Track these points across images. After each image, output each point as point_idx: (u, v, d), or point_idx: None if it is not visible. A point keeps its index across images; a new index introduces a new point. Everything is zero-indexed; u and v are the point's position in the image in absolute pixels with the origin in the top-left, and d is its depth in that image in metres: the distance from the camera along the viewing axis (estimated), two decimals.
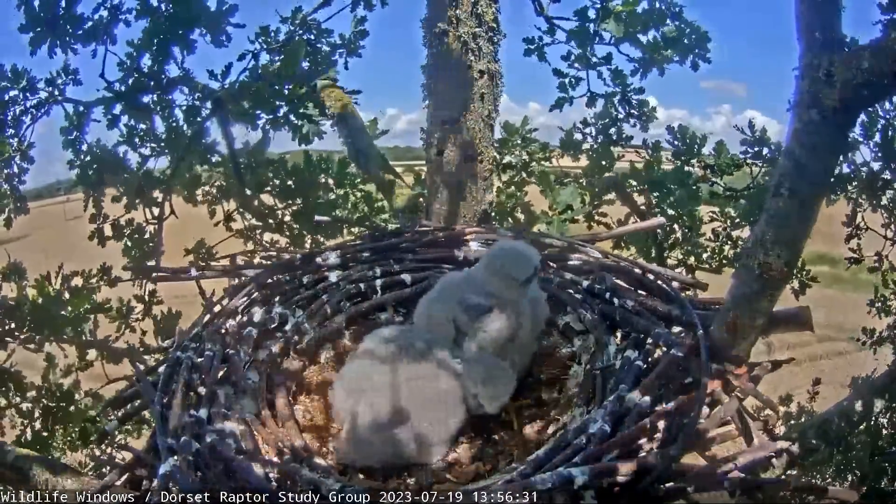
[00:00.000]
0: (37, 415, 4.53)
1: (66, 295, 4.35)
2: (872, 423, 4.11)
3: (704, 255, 5.30)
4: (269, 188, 5.14)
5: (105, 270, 4.86)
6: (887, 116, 4.32)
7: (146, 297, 5.01)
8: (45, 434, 4.51)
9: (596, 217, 5.01)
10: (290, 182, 5.05)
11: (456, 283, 2.42)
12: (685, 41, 4.66)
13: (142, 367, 2.67)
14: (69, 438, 4.75)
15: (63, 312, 4.09)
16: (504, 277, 2.31)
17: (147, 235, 5.06)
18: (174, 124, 4.60)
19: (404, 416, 2.05)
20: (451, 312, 2.28)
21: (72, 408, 4.62)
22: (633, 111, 5.14)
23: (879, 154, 4.46)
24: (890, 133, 4.33)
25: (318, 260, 2.91)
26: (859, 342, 5.33)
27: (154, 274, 2.86)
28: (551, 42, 4.84)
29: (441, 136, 3.44)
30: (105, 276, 4.84)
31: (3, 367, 4.20)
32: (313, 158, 5.19)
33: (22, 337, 4.10)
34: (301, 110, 3.85)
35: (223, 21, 4.18)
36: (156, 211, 5.12)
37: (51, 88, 4.44)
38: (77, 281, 4.61)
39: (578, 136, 5.38)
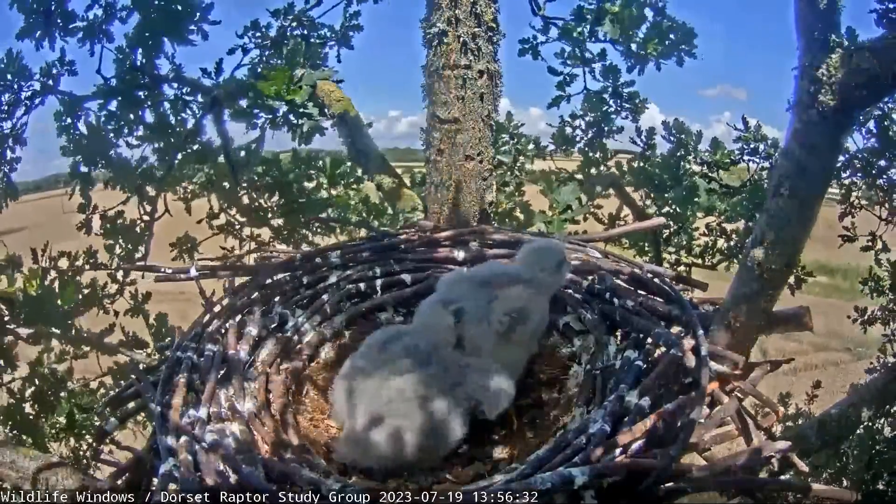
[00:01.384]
0: (27, 395, 4.55)
1: (53, 273, 4.35)
2: (870, 424, 4.13)
3: (698, 250, 5.33)
4: (258, 185, 5.16)
5: (91, 254, 4.87)
6: (882, 105, 4.35)
7: (120, 279, 5.03)
8: (32, 416, 4.52)
9: (592, 209, 5.03)
10: (282, 179, 5.07)
11: (468, 273, 2.46)
12: (671, 37, 4.66)
13: (141, 366, 2.66)
14: (56, 428, 4.75)
15: (58, 302, 4.08)
16: (536, 263, 2.40)
17: (137, 230, 5.06)
18: (165, 119, 4.59)
19: (404, 418, 2.04)
20: (461, 297, 2.29)
21: (63, 393, 4.64)
22: (624, 103, 5.15)
23: (874, 142, 4.49)
24: (886, 122, 4.36)
25: (318, 260, 2.91)
26: (857, 321, 5.35)
27: (154, 274, 2.85)
28: (545, 41, 4.86)
29: (440, 137, 3.43)
30: (91, 259, 4.85)
31: None
32: (302, 155, 5.21)
33: (17, 330, 4.11)
34: (300, 110, 3.85)
35: (200, 19, 4.19)
36: (149, 207, 5.13)
37: (46, 79, 4.43)
38: (63, 262, 4.63)
39: (569, 130, 5.40)
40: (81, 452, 4.88)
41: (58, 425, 4.74)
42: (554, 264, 2.41)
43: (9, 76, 4.32)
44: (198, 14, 4.21)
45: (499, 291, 2.29)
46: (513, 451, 2.12)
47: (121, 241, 5.05)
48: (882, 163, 4.66)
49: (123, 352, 4.72)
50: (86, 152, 4.61)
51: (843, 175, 4.92)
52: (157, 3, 4.15)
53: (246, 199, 5.36)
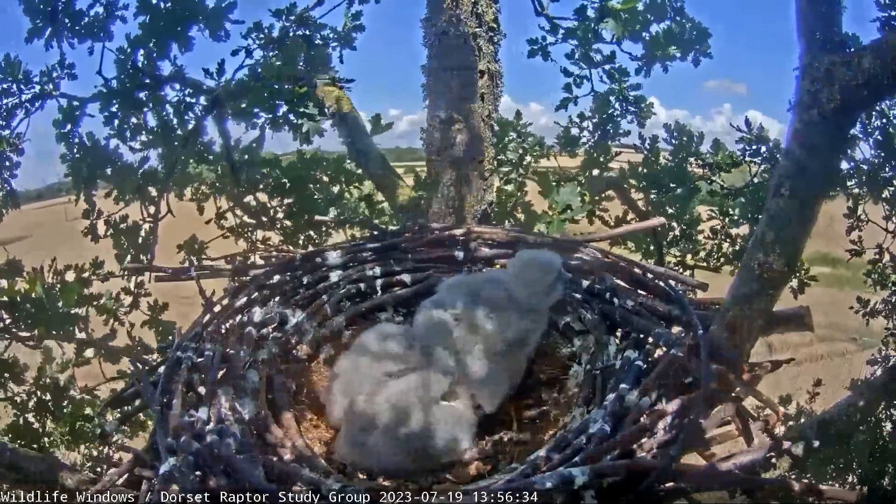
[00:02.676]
0: (31, 406, 4.55)
1: (59, 286, 4.36)
2: (872, 422, 4.12)
3: (702, 253, 5.32)
4: (262, 186, 5.15)
5: (97, 264, 4.87)
6: (886, 113, 4.33)
7: (133, 290, 5.03)
8: (36, 426, 4.52)
9: (597, 212, 5.02)
10: (284, 180, 5.06)
11: (468, 281, 2.43)
12: (686, 37, 4.67)
13: (141, 367, 2.66)
14: (64, 437, 4.75)
15: (58, 304, 4.08)
16: (528, 284, 2.32)
17: (142, 233, 5.06)
18: (167, 121, 4.59)
19: (398, 417, 2.04)
20: (461, 305, 2.26)
21: (65, 402, 4.64)
22: (630, 107, 5.15)
23: (880, 151, 4.47)
24: (890, 130, 4.35)
25: (318, 260, 2.91)
26: (860, 312, 5.31)
27: (154, 274, 2.86)
28: (555, 42, 4.85)
29: (441, 136, 3.44)
30: (97, 269, 4.85)
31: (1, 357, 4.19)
32: (306, 155, 5.20)
33: (20, 333, 4.10)
34: (301, 109, 3.85)
35: (223, 17, 4.18)
36: (152, 209, 5.12)
37: (46, 81, 4.43)
38: (70, 276, 4.63)
39: (575, 131, 5.40)
40: (91, 458, 4.88)
41: (65, 436, 4.75)
42: (547, 285, 2.34)
43: (9, 79, 4.32)
44: (221, 10, 4.21)
45: (496, 314, 2.26)
46: (513, 451, 2.12)
47: (127, 245, 5.03)
48: (888, 173, 4.63)
49: (128, 358, 4.72)
50: (86, 159, 4.61)
51: (850, 184, 4.90)
52: (163, 6, 4.15)
53: (250, 200, 5.35)
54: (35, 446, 4.43)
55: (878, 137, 4.42)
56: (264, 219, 5.24)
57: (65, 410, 4.64)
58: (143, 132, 4.63)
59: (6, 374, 4.22)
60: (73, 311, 4.21)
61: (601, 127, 5.31)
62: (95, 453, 4.81)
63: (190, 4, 4.11)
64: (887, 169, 4.60)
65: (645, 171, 5.06)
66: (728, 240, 5.30)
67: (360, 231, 5.19)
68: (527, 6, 4.80)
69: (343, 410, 2.13)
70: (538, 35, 4.82)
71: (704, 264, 5.32)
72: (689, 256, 5.30)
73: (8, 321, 3.96)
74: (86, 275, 4.75)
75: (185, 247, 5.29)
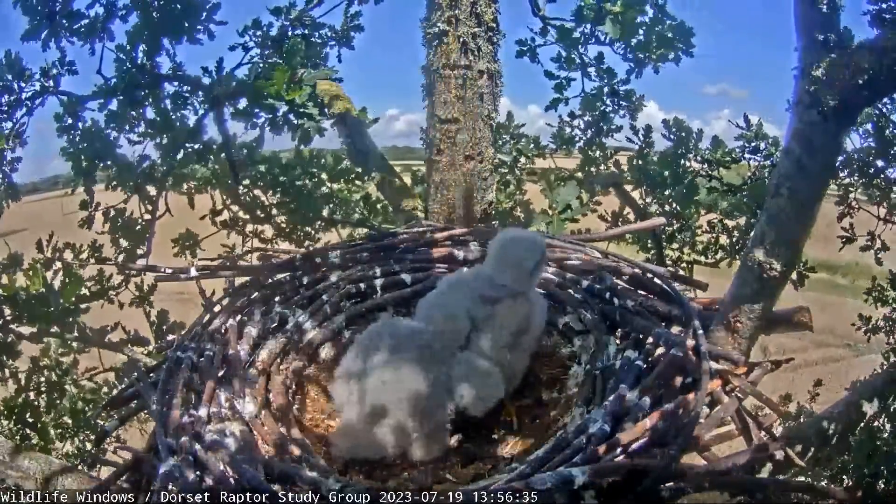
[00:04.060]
0: (32, 384, 4.56)
1: (58, 265, 4.35)
2: (870, 423, 4.11)
3: (700, 247, 5.33)
4: (261, 183, 5.16)
5: (96, 248, 4.88)
6: (879, 105, 4.34)
7: (126, 271, 5.04)
8: (38, 408, 4.53)
9: (591, 207, 5.01)
10: (282, 178, 5.06)
11: (465, 280, 2.41)
12: (669, 35, 4.63)
13: (141, 366, 2.66)
14: (61, 427, 4.75)
15: (59, 300, 4.07)
16: (511, 265, 2.28)
17: (138, 227, 5.06)
18: (166, 113, 4.57)
19: (388, 410, 2.05)
20: (468, 306, 2.24)
21: (67, 385, 4.66)
22: (621, 102, 5.14)
23: (871, 142, 4.49)
24: (882, 122, 4.36)
25: (318, 260, 2.91)
26: (862, 329, 5.32)
27: (153, 273, 2.85)
28: (543, 43, 4.85)
29: (440, 136, 3.44)
30: (96, 253, 4.86)
31: None
32: (305, 154, 5.20)
33: (20, 330, 4.11)
34: (300, 110, 3.85)
35: (207, 19, 4.18)
36: (149, 206, 5.12)
37: (46, 79, 4.42)
38: (68, 254, 4.62)
39: (568, 129, 5.41)
40: (84, 451, 4.88)
41: (63, 424, 4.75)
42: (533, 263, 2.30)
43: (9, 77, 4.31)
44: (204, 14, 4.20)
45: (493, 316, 2.24)
46: (513, 451, 2.12)
47: (123, 238, 5.04)
48: (879, 163, 4.66)
49: (125, 351, 4.73)
50: (87, 151, 4.60)
51: (842, 174, 4.93)
52: (157, 3, 4.14)
53: (248, 197, 5.36)
54: (31, 419, 4.44)
55: (869, 128, 4.43)
56: (260, 214, 5.26)
57: (68, 396, 4.66)
58: (143, 123, 4.63)
59: (3, 357, 4.22)
60: (74, 308, 4.21)
61: (594, 124, 5.31)
62: (90, 445, 4.82)
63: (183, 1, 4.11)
64: (879, 161, 4.63)
65: (640, 162, 5.07)
66: (725, 232, 5.32)
67: (354, 230, 5.22)
68: (527, 6, 4.80)
69: (341, 404, 2.14)
70: (527, 37, 4.84)
71: (703, 258, 5.34)
72: (685, 250, 5.32)
73: (9, 317, 3.95)
74: (83, 256, 4.76)
75: (181, 240, 5.31)
